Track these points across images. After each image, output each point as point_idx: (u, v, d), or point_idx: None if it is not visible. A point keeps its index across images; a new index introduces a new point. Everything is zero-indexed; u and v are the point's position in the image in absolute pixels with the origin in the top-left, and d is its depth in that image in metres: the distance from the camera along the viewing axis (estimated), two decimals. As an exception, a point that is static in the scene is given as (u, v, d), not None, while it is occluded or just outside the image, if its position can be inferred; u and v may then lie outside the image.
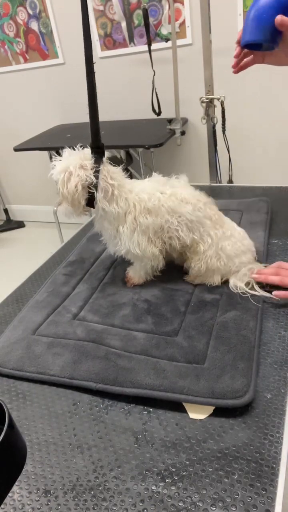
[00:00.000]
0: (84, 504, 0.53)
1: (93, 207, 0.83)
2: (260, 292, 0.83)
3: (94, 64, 0.77)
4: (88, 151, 0.82)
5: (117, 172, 0.84)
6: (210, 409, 0.63)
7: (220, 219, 0.89)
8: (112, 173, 0.82)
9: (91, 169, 0.80)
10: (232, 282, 0.87)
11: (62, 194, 0.81)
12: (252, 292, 0.84)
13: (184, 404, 0.65)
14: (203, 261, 0.87)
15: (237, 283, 0.86)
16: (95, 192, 0.80)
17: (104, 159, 0.82)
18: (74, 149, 0.83)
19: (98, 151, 0.81)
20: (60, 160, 0.81)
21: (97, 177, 0.80)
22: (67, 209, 0.83)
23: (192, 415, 0.63)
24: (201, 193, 0.89)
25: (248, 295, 0.83)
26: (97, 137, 0.80)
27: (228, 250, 0.87)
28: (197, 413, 0.63)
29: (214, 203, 0.91)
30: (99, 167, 0.80)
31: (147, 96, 2.33)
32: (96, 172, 0.80)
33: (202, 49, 1.46)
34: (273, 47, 0.79)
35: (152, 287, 0.92)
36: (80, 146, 0.83)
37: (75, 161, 0.80)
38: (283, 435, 0.58)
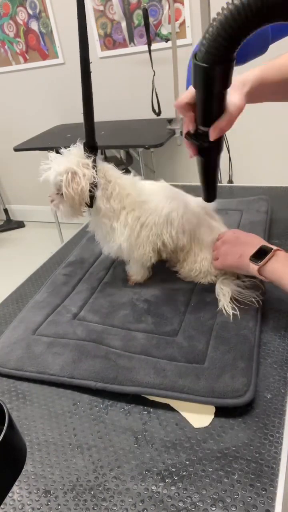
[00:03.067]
0: (84, 504, 0.53)
1: (92, 206, 0.83)
2: (251, 298, 0.81)
3: (91, 64, 0.76)
4: (80, 149, 0.81)
5: (112, 169, 0.85)
6: (212, 413, 0.63)
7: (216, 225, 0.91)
8: (109, 171, 0.83)
9: (92, 168, 0.80)
10: (221, 304, 0.82)
11: (66, 195, 0.79)
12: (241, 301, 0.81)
13: (184, 415, 0.64)
14: (192, 264, 0.88)
15: (224, 304, 0.81)
16: (95, 191, 0.81)
17: (98, 157, 0.82)
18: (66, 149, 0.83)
19: (93, 150, 0.81)
20: (57, 161, 0.81)
21: (94, 177, 0.80)
22: (66, 210, 0.83)
23: (196, 424, 0.62)
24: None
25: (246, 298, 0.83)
26: (92, 136, 0.80)
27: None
28: (200, 421, 0.62)
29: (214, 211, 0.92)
30: (97, 165, 0.81)
31: (147, 96, 2.33)
32: (95, 171, 0.80)
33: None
34: None
35: (152, 287, 0.91)
36: (74, 145, 0.83)
37: (75, 160, 0.79)
38: (283, 435, 0.58)
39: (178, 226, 0.85)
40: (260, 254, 0.75)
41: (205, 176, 0.74)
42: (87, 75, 0.76)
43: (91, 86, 0.77)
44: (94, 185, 0.80)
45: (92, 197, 0.82)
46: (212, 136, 0.63)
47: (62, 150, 0.82)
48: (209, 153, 0.68)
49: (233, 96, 0.63)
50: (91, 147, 0.81)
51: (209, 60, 0.51)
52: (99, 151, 0.83)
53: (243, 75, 0.69)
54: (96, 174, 0.80)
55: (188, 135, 0.65)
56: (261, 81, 0.69)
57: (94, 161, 0.81)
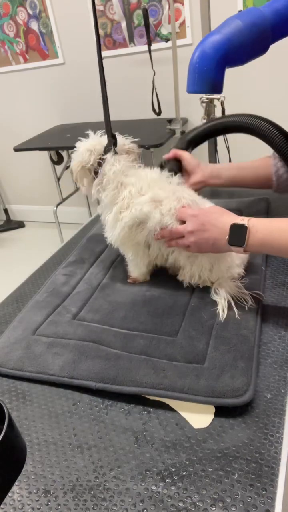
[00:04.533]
0: (84, 504, 0.53)
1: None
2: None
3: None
4: (105, 139, 0.87)
5: (114, 163, 0.85)
6: (211, 414, 0.63)
7: None
8: (116, 163, 0.85)
9: (98, 155, 0.85)
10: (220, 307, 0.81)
11: (71, 168, 0.90)
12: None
13: (184, 415, 0.64)
14: (191, 271, 0.87)
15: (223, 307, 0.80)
16: (94, 177, 0.86)
17: (113, 149, 0.86)
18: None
19: (110, 141, 0.86)
20: (84, 141, 0.89)
21: (100, 164, 0.85)
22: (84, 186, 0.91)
23: (195, 424, 0.62)
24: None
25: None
26: (109, 129, 0.86)
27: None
28: (200, 422, 0.62)
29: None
30: (105, 155, 0.85)
31: (147, 96, 2.33)
32: (101, 159, 0.85)
33: (202, 49, 1.46)
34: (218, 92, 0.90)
35: (152, 287, 0.91)
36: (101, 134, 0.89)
37: (89, 144, 0.87)
38: (283, 435, 0.58)
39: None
40: (235, 234, 0.72)
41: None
42: (103, 74, 0.81)
43: (105, 82, 0.82)
44: (94, 172, 0.86)
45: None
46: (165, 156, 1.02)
47: (91, 133, 0.90)
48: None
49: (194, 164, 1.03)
50: (112, 137, 0.86)
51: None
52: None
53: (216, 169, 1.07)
54: (98, 161, 0.85)
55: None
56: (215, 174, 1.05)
57: (106, 150, 0.85)
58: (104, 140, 0.87)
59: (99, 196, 0.87)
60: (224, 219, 0.75)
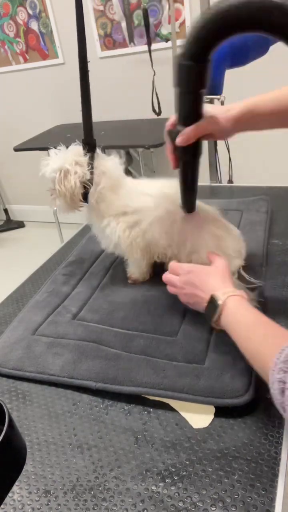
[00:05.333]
0: (84, 504, 0.53)
1: (87, 202, 0.85)
2: None
3: (89, 63, 0.78)
4: (79, 148, 0.83)
5: (110, 165, 0.85)
6: (211, 414, 0.63)
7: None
8: (105, 167, 0.84)
9: (87, 165, 0.82)
10: None
11: (59, 191, 0.83)
12: None
13: (184, 415, 0.64)
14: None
15: None
16: (90, 187, 0.82)
17: (96, 153, 0.84)
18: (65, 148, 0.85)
19: (90, 147, 0.83)
20: (54, 158, 0.83)
21: (91, 173, 0.82)
22: (62, 205, 0.85)
23: (195, 424, 0.62)
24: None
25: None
26: (90, 133, 0.82)
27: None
28: (199, 422, 0.62)
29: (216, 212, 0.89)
30: (93, 162, 0.82)
31: (147, 96, 2.33)
32: (91, 168, 0.82)
33: (202, 49, 1.46)
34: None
35: (152, 287, 0.91)
36: (74, 143, 0.85)
37: (70, 158, 0.82)
38: (283, 435, 0.58)
39: (167, 237, 0.84)
40: (210, 308, 0.67)
41: (183, 186, 0.76)
42: (85, 73, 0.78)
43: (88, 83, 0.78)
44: (89, 182, 0.82)
45: (86, 193, 0.84)
46: (179, 140, 0.67)
47: (61, 148, 0.84)
48: (184, 157, 0.71)
49: (212, 113, 0.68)
50: (89, 144, 0.82)
51: (189, 59, 0.58)
52: (98, 148, 0.84)
53: (230, 104, 0.70)
54: (90, 171, 0.81)
55: (168, 133, 0.70)
56: (252, 108, 0.69)
57: (92, 158, 0.82)
58: (75, 150, 0.83)
59: (98, 205, 0.84)
60: (211, 283, 0.70)
